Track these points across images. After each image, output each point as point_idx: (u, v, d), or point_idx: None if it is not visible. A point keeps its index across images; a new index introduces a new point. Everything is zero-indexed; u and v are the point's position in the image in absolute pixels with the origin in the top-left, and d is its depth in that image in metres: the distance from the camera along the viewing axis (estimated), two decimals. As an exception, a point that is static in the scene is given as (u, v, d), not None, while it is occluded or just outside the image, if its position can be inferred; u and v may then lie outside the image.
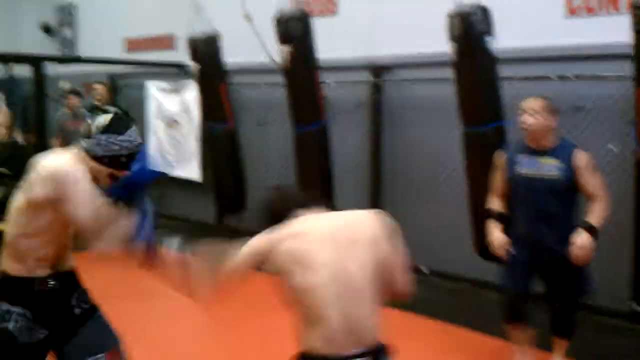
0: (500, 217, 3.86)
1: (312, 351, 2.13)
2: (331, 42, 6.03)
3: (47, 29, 10.74)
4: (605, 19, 4.81)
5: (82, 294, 2.67)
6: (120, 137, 2.47)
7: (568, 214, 3.68)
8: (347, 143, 6.29)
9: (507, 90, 4.74)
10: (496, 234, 3.82)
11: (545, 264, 3.72)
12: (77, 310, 2.61)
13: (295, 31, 5.55)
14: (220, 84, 6.72)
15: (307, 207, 2.35)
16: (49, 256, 2.53)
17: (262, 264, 2.25)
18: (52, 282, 2.53)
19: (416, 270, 5.87)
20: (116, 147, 2.46)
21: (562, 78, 4.81)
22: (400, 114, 6.08)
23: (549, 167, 3.65)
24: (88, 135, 2.50)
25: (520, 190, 3.77)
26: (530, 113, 3.68)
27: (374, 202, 6.22)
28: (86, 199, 2.39)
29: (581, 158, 3.64)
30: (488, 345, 4.43)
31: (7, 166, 7.34)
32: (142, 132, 8.26)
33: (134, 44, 9.14)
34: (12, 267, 2.52)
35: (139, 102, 8.53)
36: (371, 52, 6.19)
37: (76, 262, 2.70)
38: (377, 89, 6.13)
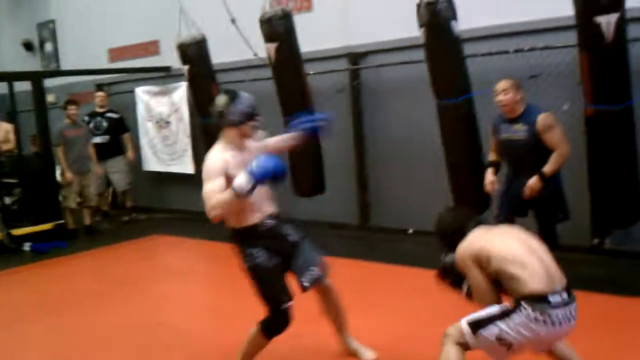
0: (493, 164, 4.84)
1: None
2: (310, 36, 6.67)
3: (29, 46, 11.19)
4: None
5: (292, 226, 3.57)
6: (236, 102, 3.34)
7: (536, 164, 4.51)
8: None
9: (473, 66, 5.46)
10: (488, 176, 4.80)
11: (524, 200, 4.61)
12: (291, 238, 3.50)
13: (279, 29, 6.15)
14: (211, 82, 7.30)
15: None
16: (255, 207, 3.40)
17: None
18: (271, 220, 3.45)
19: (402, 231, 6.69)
20: (242, 107, 3.33)
21: (518, 51, 5.54)
22: (377, 95, 6.76)
23: (518, 130, 4.59)
24: (221, 115, 3.36)
25: (503, 150, 4.76)
26: (504, 93, 4.59)
27: (360, 178, 6.96)
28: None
29: (540, 120, 4.50)
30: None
31: (14, 176, 7.88)
32: (135, 134, 8.87)
33: (118, 53, 9.66)
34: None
35: (129, 107, 9.07)
36: (347, 41, 6.85)
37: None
38: (355, 75, 6.80)
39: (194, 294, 5.74)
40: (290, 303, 3.38)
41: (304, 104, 6.46)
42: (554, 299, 2.73)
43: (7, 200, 7.76)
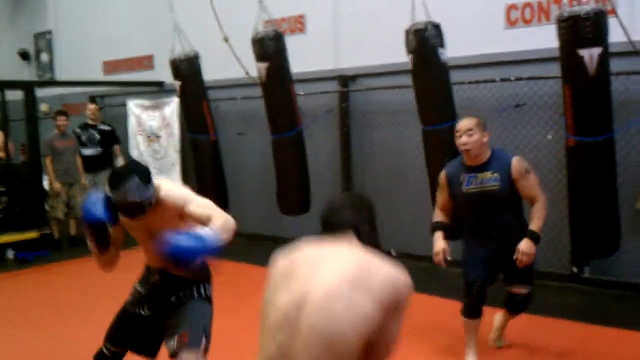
0: (443, 228, 4.00)
1: None
2: (302, 57, 6.76)
3: (25, 55, 11.26)
4: (539, 28, 5.61)
5: (185, 296, 3.00)
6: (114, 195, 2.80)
7: (511, 216, 3.87)
8: (320, 146, 7.02)
9: (459, 93, 5.54)
10: (438, 243, 3.93)
11: (497, 261, 3.89)
12: (173, 299, 2.99)
13: (270, 49, 6.22)
14: (202, 99, 7.36)
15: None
16: (149, 255, 3.10)
17: None
18: (157, 276, 3.05)
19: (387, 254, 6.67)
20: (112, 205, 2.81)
21: (504, 80, 5.62)
22: (365, 117, 6.84)
23: (489, 179, 3.79)
24: None
25: (468, 205, 3.92)
26: (468, 134, 3.78)
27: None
28: None
29: (515, 165, 3.77)
30: (449, 305, 5.09)
31: (2, 184, 7.88)
32: (126, 147, 8.89)
33: (112, 65, 9.73)
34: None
35: (121, 119, 9.11)
36: (337, 64, 6.95)
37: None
38: (344, 97, 6.88)
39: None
40: (105, 348, 3.04)
41: (292, 123, 6.54)
42: None
43: (-6, 207, 7.76)
